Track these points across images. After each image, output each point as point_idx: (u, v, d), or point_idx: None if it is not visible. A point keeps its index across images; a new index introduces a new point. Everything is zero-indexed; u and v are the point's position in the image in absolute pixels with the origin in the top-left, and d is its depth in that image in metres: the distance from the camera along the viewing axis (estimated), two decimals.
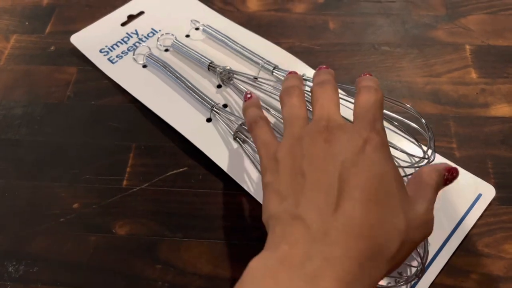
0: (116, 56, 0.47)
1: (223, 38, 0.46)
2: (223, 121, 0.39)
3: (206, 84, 0.44)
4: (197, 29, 0.49)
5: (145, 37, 0.48)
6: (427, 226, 0.26)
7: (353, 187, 0.24)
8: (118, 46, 0.48)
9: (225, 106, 0.42)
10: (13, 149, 0.41)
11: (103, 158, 0.40)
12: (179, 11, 0.51)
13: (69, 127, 0.43)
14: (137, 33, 0.49)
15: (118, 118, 0.43)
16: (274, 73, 0.42)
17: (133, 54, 0.47)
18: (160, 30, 0.49)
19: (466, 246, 0.34)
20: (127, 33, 0.49)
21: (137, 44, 0.48)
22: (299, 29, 0.49)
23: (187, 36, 0.48)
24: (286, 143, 0.28)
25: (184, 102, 0.42)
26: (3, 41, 0.50)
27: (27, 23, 0.52)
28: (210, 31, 0.47)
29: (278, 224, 0.25)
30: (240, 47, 0.45)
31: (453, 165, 0.32)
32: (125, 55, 0.47)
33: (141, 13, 0.51)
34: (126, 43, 0.48)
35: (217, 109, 0.40)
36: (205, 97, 0.41)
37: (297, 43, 0.48)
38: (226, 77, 0.42)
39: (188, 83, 0.42)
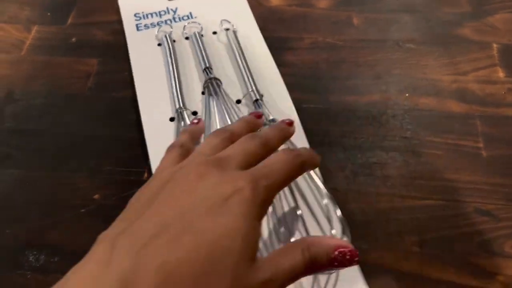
0: (144, 25, 0.47)
1: (235, 49, 0.44)
2: (177, 126, 0.39)
3: (196, 86, 0.42)
4: (227, 29, 0.46)
5: (179, 18, 0.48)
6: None
7: (188, 232, 0.20)
8: (152, 16, 0.47)
9: (194, 113, 0.40)
10: (33, 140, 0.41)
11: (124, 150, 0.40)
12: (221, 5, 0.49)
13: (90, 118, 0.42)
14: (175, 12, 0.48)
15: (139, 110, 0.42)
16: (254, 103, 0.40)
17: (158, 30, 0.46)
18: (195, 17, 0.48)
19: (491, 248, 0.33)
20: (167, 8, 0.48)
21: (169, 21, 0.47)
22: (322, 24, 0.48)
23: (214, 33, 0.47)
24: (168, 167, 0.25)
25: (165, 94, 0.41)
26: (24, 32, 0.50)
27: (48, 14, 0.52)
28: (229, 37, 0.45)
29: (91, 248, 0.21)
30: (242, 65, 0.42)
31: (351, 247, 0.23)
32: (153, 27, 0.47)
33: None
34: (160, 17, 0.47)
35: (180, 112, 0.39)
36: (177, 97, 0.40)
37: (320, 38, 0.47)
38: (211, 88, 0.41)
39: (174, 75, 0.41)
